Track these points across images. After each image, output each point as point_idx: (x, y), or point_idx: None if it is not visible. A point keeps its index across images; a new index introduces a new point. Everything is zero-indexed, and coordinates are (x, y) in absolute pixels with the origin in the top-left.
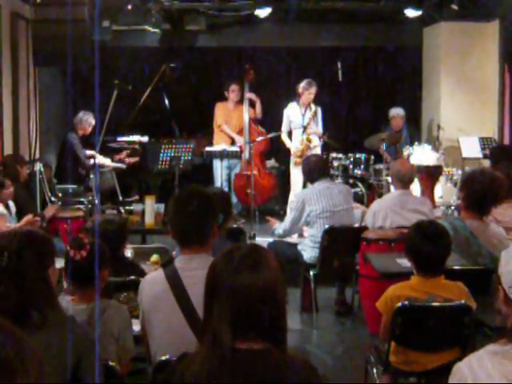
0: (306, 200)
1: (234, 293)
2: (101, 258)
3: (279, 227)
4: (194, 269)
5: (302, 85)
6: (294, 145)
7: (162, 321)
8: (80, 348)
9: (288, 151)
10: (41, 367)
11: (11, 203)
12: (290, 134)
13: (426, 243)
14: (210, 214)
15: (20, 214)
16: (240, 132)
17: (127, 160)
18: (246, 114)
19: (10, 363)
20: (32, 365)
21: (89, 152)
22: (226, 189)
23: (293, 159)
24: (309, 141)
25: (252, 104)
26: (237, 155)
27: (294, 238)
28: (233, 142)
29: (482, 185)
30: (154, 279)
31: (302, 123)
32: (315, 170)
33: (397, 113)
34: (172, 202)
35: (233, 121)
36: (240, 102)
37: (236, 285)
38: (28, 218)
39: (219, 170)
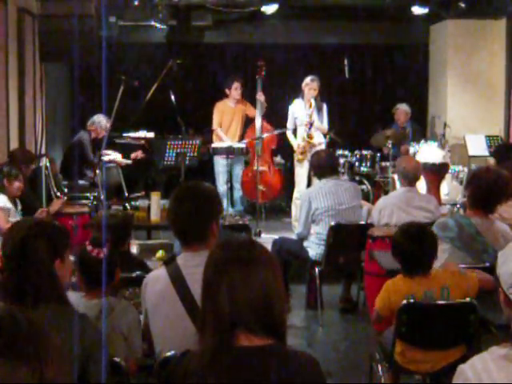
0: (312, 197)
1: (231, 284)
2: (113, 258)
3: (295, 233)
4: (196, 266)
5: (305, 80)
6: (297, 141)
7: (166, 318)
8: (89, 345)
9: (293, 148)
10: (62, 360)
11: (17, 200)
12: (296, 131)
13: (411, 244)
14: (209, 210)
15: (24, 210)
16: (245, 132)
17: (133, 155)
18: (258, 111)
19: (36, 353)
20: (55, 356)
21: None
22: (228, 185)
23: (296, 156)
24: (310, 138)
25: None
26: (243, 152)
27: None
28: (239, 140)
29: (487, 182)
30: (156, 277)
31: (305, 119)
32: (324, 166)
33: (399, 107)
34: (171, 199)
35: (234, 120)
36: (241, 99)
37: (232, 276)
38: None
39: (220, 166)
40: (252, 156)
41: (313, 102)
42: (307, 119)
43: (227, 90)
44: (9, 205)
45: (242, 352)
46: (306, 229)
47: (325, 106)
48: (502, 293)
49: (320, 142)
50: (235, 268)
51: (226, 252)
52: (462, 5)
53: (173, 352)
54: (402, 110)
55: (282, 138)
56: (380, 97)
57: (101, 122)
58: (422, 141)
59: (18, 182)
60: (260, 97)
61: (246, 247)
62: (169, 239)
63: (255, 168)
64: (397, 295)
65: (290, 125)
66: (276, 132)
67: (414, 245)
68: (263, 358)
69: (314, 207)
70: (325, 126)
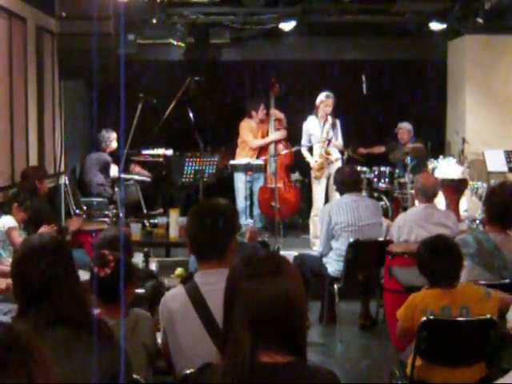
0: (332, 212)
1: (252, 298)
2: (126, 273)
3: (318, 252)
4: (214, 283)
5: (319, 97)
6: (314, 158)
7: (185, 336)
8: (115, 364)
9: (309, 165)
10: (50, 372)
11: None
12: (311, 148)
13: (436, 258)
14: (228, 227)
15: (39, 228)
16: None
17: (141, 170)
18: (271, 128)
19: (23, 365)
20: (44, 368)
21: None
22: (249, 202)
23: (313, 173)
24: (328, 154)
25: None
26: (261, 168)
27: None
28: (257, 157)
29: (501, 198)
30: (174, 296)
31: (320, 136)
32: (347, 182)
33: (401, 126)
34: (189, 216)
35: (258, 138)
36: (263, 120)
37: (253, 289)
38: (43, 229)
39: (240, 183)
40: (266, 173)
41: (330, 118)
42: (324, 136)
43: (253, 112)
44: (16, 224)
45: (263, 369)
46: (326, 247)
47: (338, 122)
48: None
49: (337, 158)
50: (256, 283)
51: (247, 267)
52: (480, 20)
53: (193, 370)
54: (405, 129)
55: (299, 155)
56: (398, 113)
57: (110, 136)
58: (441, 157)
59: (23, 213)
60: (273, 114)
61: (267, 261)
62: (188, 256)
63: (269, 185)
64: (418, 308)
65: (304, 142)
66: (294, 149)
67: (440, 258)
68: (285, 374)
69: (334, 221)
70: (340, 142)
